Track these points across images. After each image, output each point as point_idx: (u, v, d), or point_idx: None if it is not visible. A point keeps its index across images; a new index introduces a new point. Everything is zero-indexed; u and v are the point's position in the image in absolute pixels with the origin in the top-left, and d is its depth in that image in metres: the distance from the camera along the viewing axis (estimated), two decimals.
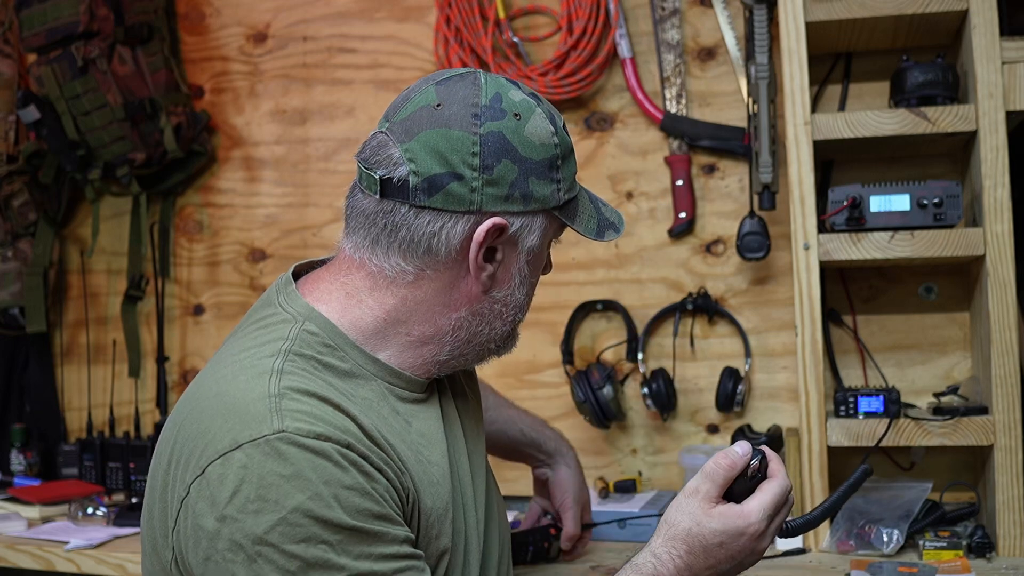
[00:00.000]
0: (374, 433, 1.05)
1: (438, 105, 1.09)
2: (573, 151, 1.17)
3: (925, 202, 1.79)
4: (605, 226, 1.21)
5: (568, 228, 1.18)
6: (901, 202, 1.80)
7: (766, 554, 1.77)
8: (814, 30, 1.83)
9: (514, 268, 1.14)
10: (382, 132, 1.12)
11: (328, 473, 0.97)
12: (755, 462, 1.11)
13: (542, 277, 1.25)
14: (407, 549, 1.03)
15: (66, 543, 1.95)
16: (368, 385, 1.11)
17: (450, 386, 1.27)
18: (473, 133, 1.07)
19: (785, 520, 1.16)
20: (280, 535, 0.94)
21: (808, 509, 1.80)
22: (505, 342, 1.21)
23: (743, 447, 1.11)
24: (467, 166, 1.07)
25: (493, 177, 1.07)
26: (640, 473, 2.18)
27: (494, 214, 1.09)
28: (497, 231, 1.09)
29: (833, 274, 2.06)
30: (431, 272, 1.11)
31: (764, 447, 1.13)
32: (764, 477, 1.12)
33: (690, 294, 2.17)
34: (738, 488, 1.11)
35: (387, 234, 1.10)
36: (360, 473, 0.99)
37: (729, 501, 1.12)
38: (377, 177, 1.09)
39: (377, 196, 1.10)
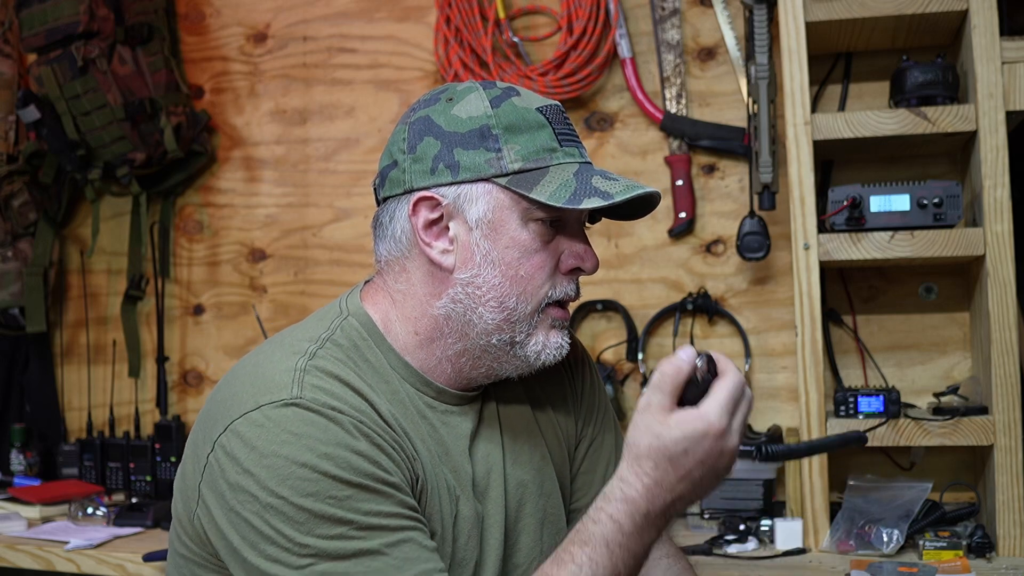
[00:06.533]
0: (390, 420, 1.09)
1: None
2: (543, 126, 1.13)
3: (925, 202, 1.79)
4: (587, 193, 1.10)
5: (579, 209, 1.11)
6: (901, 202, 1.80)
7: (765, 554, 1.80)
8: (814, 30, 1.83)
9: (472, 244, 1.12)
10: None
11: (339, 437, 1.03)
12: (700, 363, 1.05)
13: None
14: (414, 515, 1.06)
15: (66, 543, 1.95)
16: (400, 386, 1.15)
17: (518, 414, 1.25)
18: (405, 123, 1.15)
19: (749, 424, 1.09)
20: (290, 489, 1.00)
21: (806, 512, 1.80)
22: (515, 337, 1.14)
23: (686, 351, 1.05)
24: (400, 152, 1.14)
25: (417, 155, 1.12)
26: None
27: (424, 189, 1.12)
28: (429, 205, 1.12)
29: (833, 274, 2.06)
30: (408, 262, 1.16)
31: (710, 350, 1.08)
32: (715, 377, 1.06)
33: (690, 294, 2.17)
34: (691, 395, 1.05)
35: (378, 234, 1.19)
36: (370, 443, 1.04)
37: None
38: (373, 188, 1.21)
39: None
